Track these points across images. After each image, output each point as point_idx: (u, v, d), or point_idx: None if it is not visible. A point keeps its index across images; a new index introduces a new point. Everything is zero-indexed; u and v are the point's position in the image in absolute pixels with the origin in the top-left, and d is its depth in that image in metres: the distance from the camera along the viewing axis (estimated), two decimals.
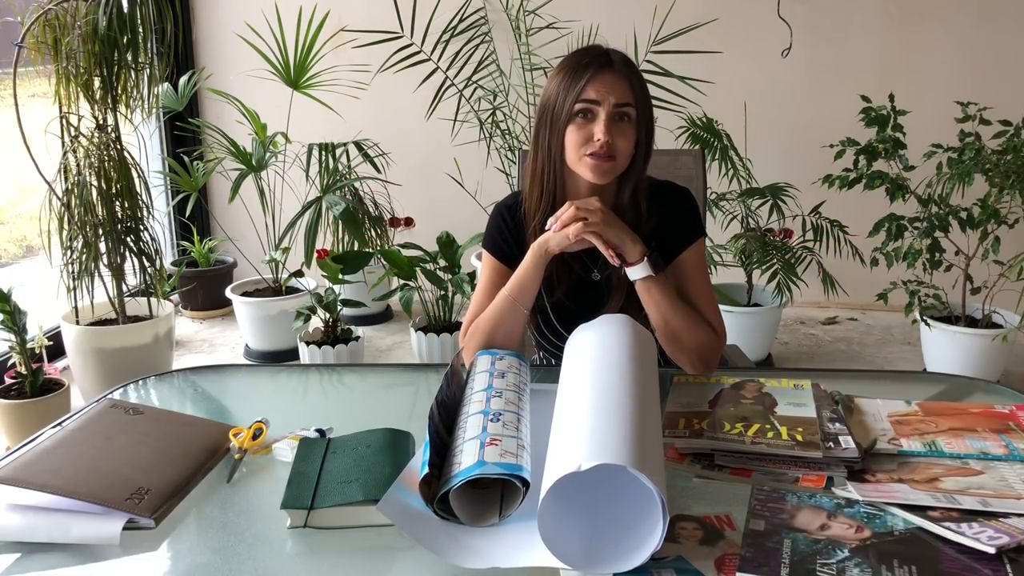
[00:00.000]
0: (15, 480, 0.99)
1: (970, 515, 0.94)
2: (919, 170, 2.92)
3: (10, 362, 2.62)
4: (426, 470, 0.96)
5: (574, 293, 1.50)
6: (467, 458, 0.96)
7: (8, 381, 2.61)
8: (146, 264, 2.90)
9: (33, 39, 2.65)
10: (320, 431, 1.18)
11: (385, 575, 0.92)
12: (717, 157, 3.16)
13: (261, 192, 3.44)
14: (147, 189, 2.91)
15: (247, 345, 3.49)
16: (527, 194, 1.48)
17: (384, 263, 3.06)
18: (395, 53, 3.28)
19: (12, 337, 2.53)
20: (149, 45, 2.85)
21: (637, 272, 1.38)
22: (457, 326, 3.09)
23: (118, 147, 2.80)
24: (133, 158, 2.86)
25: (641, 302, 1.41)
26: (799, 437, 1.10)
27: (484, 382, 1.16)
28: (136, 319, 2.94)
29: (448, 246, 2.97)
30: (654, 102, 1.49)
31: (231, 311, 3.66)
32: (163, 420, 1.21)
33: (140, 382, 1.46)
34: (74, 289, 2.81)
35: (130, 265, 2.90)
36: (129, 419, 1.18)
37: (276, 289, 3.47)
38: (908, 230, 2.94)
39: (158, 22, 2.81)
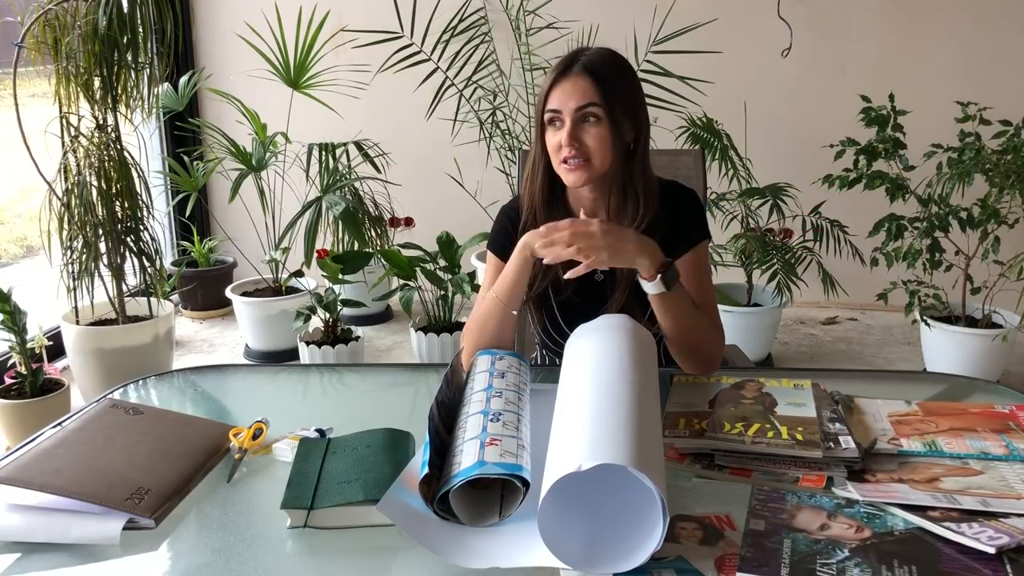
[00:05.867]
0: (15, 480, 0.99)
1: (970, 515, 0.94)
2: (919, 170, 2.92)
3: (10, 362, 2.62)
4: (426, 470, 0.96)
5: (580, 293, 1.50)
6: (467, 458, 0.96)
7: (8, 381, 2.61)
8: (146, 264, 2.90)
9: (33, 39, 2.65)
10: (320, 431, 1.18)
11: (385, 575, 0.92)
12: (717, 157, 3.16)
13: (261, 192, 3.44)
14: (147, 189, 2.91)
15: (247, 345, 3.49)
16: (523, 195, 1.51)
17: (384, 263, 3.06)
18: (395, 53, 3.28)
19: (12, 337, 2.53)
20: (149, 45, 2.85)
21: (651, 288, 1.33)
22: (457, 326, 3.09)
23: (118, 147, 2.80)
24: (133, 158, 2.86)
25: (650, 301, 1.38)
26: (799, 437, 1.10)
27: (484, 382, 1.16)
28: (136, 319, 2.94)
29: (448, 246, 2.97)
30: (654, 102, 1.49)
31: (231, 311, 3.66)
32: (163, 420, 1.21)
33: (140, 382, 1.46)
34: (74, 289, 2.81)
35: (130, 265, 2.90)
36: (129, 419, 1.18)
37: (276, 289, 3.47)
38: (908, 230, 2.94)
39: (158, 22, 2.81)
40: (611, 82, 1.38)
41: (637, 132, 1.42)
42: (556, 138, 1.39)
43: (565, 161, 1.39)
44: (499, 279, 1.42)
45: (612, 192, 1.45)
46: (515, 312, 1.42)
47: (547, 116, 1.40)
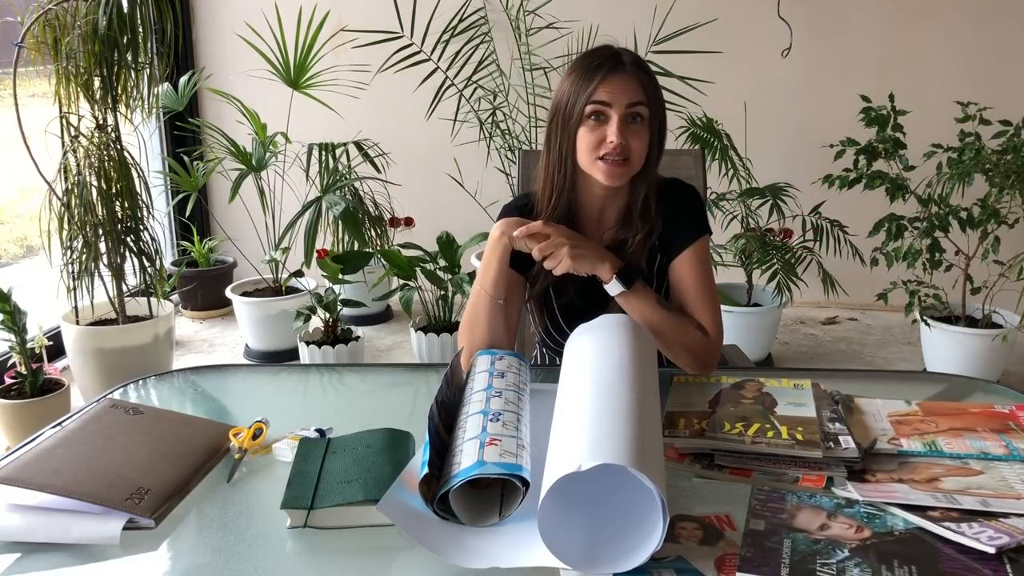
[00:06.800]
0: (15, 480, 0.99)
1: (970, 515, 0.94)
2: (919, 170, 2.92)
3: (10, 362, 2.62)
4: (426, 470, 0.96)
5: (582, 294, 1.50)
6: (467, 458, 0.96)
7: (8, 381, 2.61)
8: (146, 264, 2.90)
9: (33, 39, 2.65)
10: (320, 431, 1.18)
11: (385, 575, 0.92)
12: (717, 157, 3.16)
13: (261, 192, 3.44)
14: (147, 189, 2.91)
15: (247, 345, 3.49)
16: (540, 196, 1.48)
17: (384, 263, 3.06)
18: (395, 53, 3.27)
19: (12, 337, 2.53)
20: (149, 45, 2.85)
21: (611, 288, 1.39)
22: (457, 326, 3.09)
23: (118, 147, 2.80)
24: (133, 158, 2.86)
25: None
26: (799, 437, 1.10)
27: (484, 382, 1.16)
28: (136, 319, 2.94)
29: (448, 246, 2.97)
30: None
31: (231, 311, 3.66)
32: (163, 420, 1.21)
33: (140, 382, 1.46)
34: (74, 289, 2.81)
35: (130, 265, 2.90)
36: (129, 419, 1.18)
37: (276, 289, 3.47)
38: (908, 230, 2.94)
39: (158, 22, 2.81)
40: (653, 85, 1.40)
41: (661, 137, 1.43)
42: (596, 133, 1.36)
43: (603, 158, 1.36)
44: (481, 269, 1.43)
45: (628, 193, 1.46)
46: (501, 302, 1.42)
47: (590, 108, 1.35)
